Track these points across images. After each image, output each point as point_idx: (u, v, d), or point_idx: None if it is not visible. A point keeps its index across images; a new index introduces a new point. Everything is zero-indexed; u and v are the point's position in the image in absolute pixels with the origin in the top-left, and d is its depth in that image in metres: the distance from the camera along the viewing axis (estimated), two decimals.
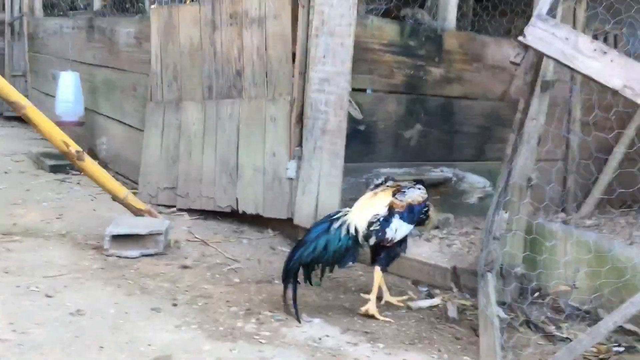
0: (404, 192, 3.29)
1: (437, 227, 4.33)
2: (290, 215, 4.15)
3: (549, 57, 2.74)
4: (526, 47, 2.75)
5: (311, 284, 3.17)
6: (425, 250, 3.74)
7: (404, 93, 4.43)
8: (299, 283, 3.08)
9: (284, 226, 4.25)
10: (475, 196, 5.02)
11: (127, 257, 3.64)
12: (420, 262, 3.61)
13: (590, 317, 3.11)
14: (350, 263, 3.23)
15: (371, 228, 3.13)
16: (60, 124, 6.62)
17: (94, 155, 6.49)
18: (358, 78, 4.12)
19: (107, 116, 6.27)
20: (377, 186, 3.41)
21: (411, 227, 3.24)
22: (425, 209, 3.29)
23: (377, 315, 3.10)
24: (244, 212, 4.41)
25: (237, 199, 4.44)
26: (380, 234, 3.13)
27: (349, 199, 4.12)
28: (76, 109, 6.53)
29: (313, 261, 3.08)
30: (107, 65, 6.27)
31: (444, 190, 4.73)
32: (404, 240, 3.24)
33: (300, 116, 4.07)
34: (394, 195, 3.24)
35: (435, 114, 4.62)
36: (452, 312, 3.15)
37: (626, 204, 5.89)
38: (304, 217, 4.06)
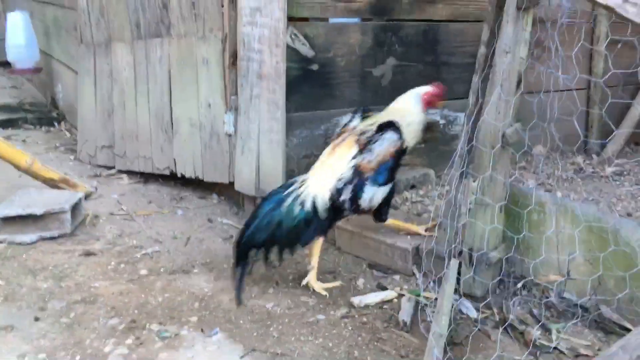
0: (371, 145, 2.62)
1: (412, 187, 3.53)
2: (232, 178, 3.41)
3: None
4: None
5: (271, 265, 2.64)
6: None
7: (369, 19, 3.53)
8: (249, 265, 2.56)
9: (230, 191, 3.51)
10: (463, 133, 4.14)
11: (21, 244, 2.99)
12: (375, 239, 2.83)
13: (590, 316, 2.33)
14: (320, 238, 2.65)
15: (341, 198, 2.58)
16: (15, 72, 5.99)
17: (55, 105, 5.85)
18: (304, 4, 3.24)
19: (59, 61, 5.54)
20: (344, 125, 2.83)
21: (390, 186, 2.68)
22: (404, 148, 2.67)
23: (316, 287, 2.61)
24: (182, 175, 3.69)
25: (174, 160, 3.71)
26: (351, 205, 2.60)
27: (302, 157, 3.36)
28: (30, 53, 5.84)
29: (267, 242, 2.55)
30: (52, 2, 5.48)
31: (430, 137, 3.88)
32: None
33: (234, 57, 3.25)
34: (361, 148, 2.62)
35: (415, 44, 3.72)
36: (405, 315, 2.40)
37: None
38: (245, 182, 3.32)
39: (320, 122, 3.45)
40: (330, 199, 2.58)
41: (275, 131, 3.15)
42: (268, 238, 2.54)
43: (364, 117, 2.83)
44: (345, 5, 3.40)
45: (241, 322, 2.38)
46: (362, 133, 2.68)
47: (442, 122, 3.95)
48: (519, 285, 2.47)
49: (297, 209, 2.55)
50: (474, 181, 2.32)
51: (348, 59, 3.48)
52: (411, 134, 2.70)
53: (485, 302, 2.42)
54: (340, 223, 2.97)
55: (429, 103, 2.78)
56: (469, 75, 3.95)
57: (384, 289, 2.64)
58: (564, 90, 4.49)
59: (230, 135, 3.36)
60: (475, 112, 2.24)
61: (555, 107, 4.25)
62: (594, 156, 4.50)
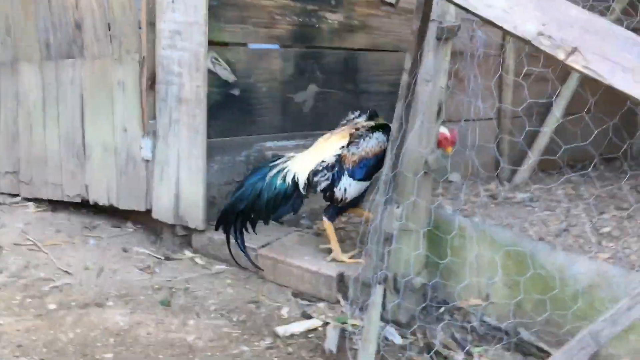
0: (358, 141, 2.76)
1: None
2: (149, 206, 3.28)
3: None
4: None
5: (247, 231, 2.82)
6: (308, 250, 2.93)
7: (291, 46, 3.53)
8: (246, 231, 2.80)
9: (147, 219, 3.37)
10: None
11: None
12: (299, 267, 2.79)
13: (510, 339, 2.38)
14: (290, 214, 2.90)
15: (315, 179, 2.75)
16: None
17: None
18: (226, 28, 3.20)
19: None
20: (349, 121, 2.96)
21: (365, 184, 2.79)
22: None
23: (345, 259, 2.79)
24: (95, 203, 3.51)
25: (86, 186, 3.52)
26: (327, 192, 2.77)
27: (223, 183, 3.28)
28: None
29: (247, 211, 2.77)
30: None
31: None
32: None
33: (152, 80, 3.15)
34: (350, 140, 2.77)
35: (336, 72, 3.75)
36: (331, 343, 2.37)
37: (567, 166, 5.23)
38: (163, 209, 3.20)
39: (242, 148, 3.40)
40: (307, 178, 2.74)
41: (196, 157, 3.07)
42: (248, 206, 2.74)
43: (370, 118, 2.92)
44: (266, 32, 3.39)
45: (161, 357, 2.26)
46: (359, 128, 2.80)
47: None
48: (442, 310, 2.49)
49: (278, 182, 2.75)
50: (397, 207, 2.33)
51: (270, 85, 3.46)
52: None
53: (411, 328, 2.43)
54: (263, 251, 2.92)
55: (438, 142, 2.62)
56: (387, 103, 4.05)
57: (309, 317, 2.60)
58: (477, 120, 4.69)
59: (147, 161, 3.24)
60: (399, 139, 2.26)
61: (471, 135, 4.40)
62: (506, 183, 4.69)
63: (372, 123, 2.85)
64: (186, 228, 3.19)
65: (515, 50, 4.71)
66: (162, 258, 3.13)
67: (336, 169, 2.74)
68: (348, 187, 2.74)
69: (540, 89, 4.78)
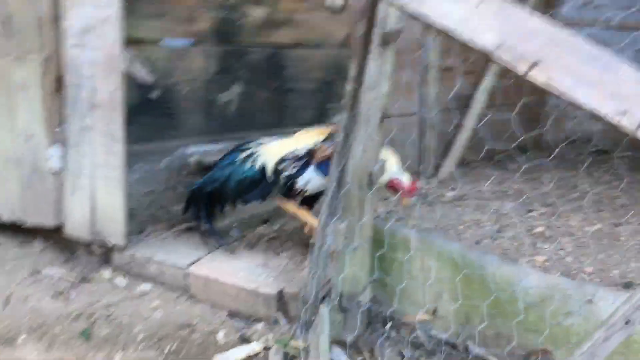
0: (334, 139, 2.59)
1: (266, 221, 3.35)
2: (61, 221, 2.96)
3: None
4: None
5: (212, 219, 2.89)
6: (242, 265, 2.74)
7: (213, 44, 3.30)
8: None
9: (59, 236, 3.04)
10: None
11: None
12: (234, 285, 2.60)
13: (459, 353, 2.31)
14: (258, 201, 2.86)
15: (281, 166, 2.74)
16: None
17: None
18: (143, 24, 2.93)
19: None
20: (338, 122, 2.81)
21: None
22: None
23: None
24: None
25: None
26: (289, 180, 2.73)
27: (143, 193, 3.02)
28: None
29: (215, 193, 2.82)
30: None
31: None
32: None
33: (59, 83, 2.83)
34: (326, 137, 2.73)
35: (261, 70, 3.55)
36: None
37: (491, 156, 5.30)
38: (77, 225, 2.90)
39: (163, 155, 3.14)
40: (275, 165, 2.73)
41: (113, 167, 2.79)
42: (217, 188, 2.79)
43: None
44: (187, 28, 3.14)
45: None
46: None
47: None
48: (389, 326, 2.39)
49: (247, 166, 2.76)
50: (342, 223, 2.19)
51: (192, 85, 3.21)
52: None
53: (357, 348, 2.31)
54: (193, 268, 2.70)
55: (393, 187, 2.62)
56: (314, 101, 3.92)
57: (248, 341, 2.42)
58: (400, 116, 4.64)
59: (57, 172, 2.92)
60: (343, 151, 2.11)
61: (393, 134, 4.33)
62: (430, 181, 4.68)
63: None
64: (104, 245, 2.91)
65: (437, 45, 4.69)
66: (78, 280, 2.83)
67: (304, 160, 2.71)
68: (310, 180, 2.70)
69: (462, 83, 4.80)
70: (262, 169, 2.76)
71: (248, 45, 3.45)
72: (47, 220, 2.99)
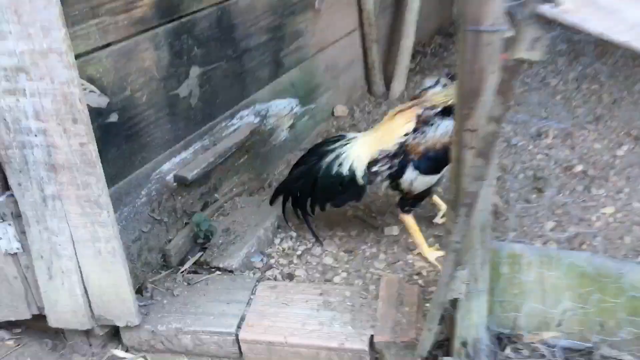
0: (426, 127, 2.36)
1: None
2: (38, 310, 2.26)
3: None
4: None
5: (306, 215, 2.61)
6: (300, 312, 2.25)
7: (161, 25, 2.50)
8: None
9: (38, 324, 2.34)
10: (285, 127, 3.53)
11: None
12: (310, 346, 2.13)
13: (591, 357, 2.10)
14: (353, 202, 2.60)
15: (373, 169, 2.44)
16: None
17: None
18: (77, 32, 2.10)
19: None
20: (422, 92, 2.55)
21: (434, 177, 2.43)
22: None
23: (432, 259, 2.48)
24: None
25: None
26: (392, 181, 2.45)
27: (132, 241, 2.39)
28: None
29: (303, 193, 2.57)
30: None
31: (250, 144, 3.15)
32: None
33: None
34: (416, 127, 2.38)
35: (213, 39, 2.82)
36: None
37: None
38: (66, 314, 2.23)
39: (139, 187, 2.46)
40: (367, 167, 2.45)
41: (105, 238, 2.09)
42: (304, 189, 2.55)
43: (447, 84, 2.50)
44: (127, 17, 2.31)
45: None
46: (429, 108, 2.39)
47: (256, 120, 3.21)
48: (509, 351, 2.10)
49: (335, 168, 2.49)
50: (463, 269, 1.78)
51: (149, 88, 2.46)
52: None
53: None
54: (244, 333, 2.19)
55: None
56: (270, 54, 3.26)
57: None
58: (341, 38, 4.07)
59: (15, 254, 2.17)
60: (471, 202, 1.64)
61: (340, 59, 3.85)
62: (382, 102, 4.28)
63: (448, 94, 2.38)
64: (109, 326, 2.29)
65: None
66: None
67: (400, 157, 2.41)
68: (414, 179, 2.42)
69: None
70: (351, 172, 2.46)
71: (195, 11, 2.67)
72: (17, 312, 2.28)
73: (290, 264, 2.52)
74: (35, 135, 1.95)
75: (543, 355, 2.09)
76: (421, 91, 2.58)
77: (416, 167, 2.38)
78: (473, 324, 1.91)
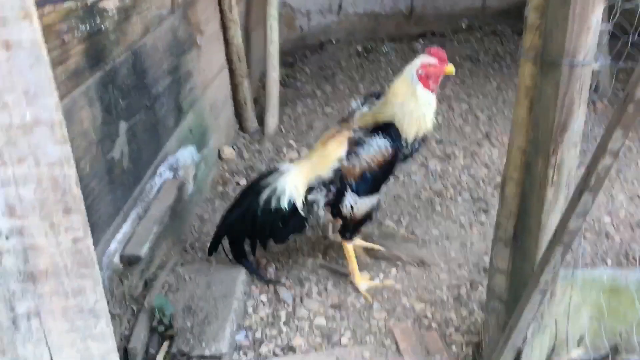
0: (358, 149, 2.32)
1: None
2: None
3: None
4: None
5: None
6: None
7: (90, 76, 2.04)
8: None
9: None
10: (191, 179, 3.17)
11: None
12: None
13: None
14: (294, 235, 2.52)
15: (310, 197, 2.37)
16: None
17: None
18: None
19: None
20: (350, 114, 2.50)
21: (375, 197, 2.40)
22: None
23: (362, 289, 2.46)
24: None
25: None
26: (333, 209, 2.39)
27: None
28: None
29: (243, 234, 2.47)
30: None
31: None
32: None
33: None
34: (348, 149, 2.33)
35: (133, 87, 2.42)
36: None
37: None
38: None
39: None
40: (304, 196, 2.37)
41: (100, 356, 1.61)
42: (244, 232, 2.45)
43: (373, 103, 2.45)
44: (64, 71, 1.84)
45: None
46: (359, 130, 2.36)
47: (171, 175, 2.81)
48: None
49: (273, 204, 2.37)
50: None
51: (90, 155, 2.00)
52: (413, 125, 2.27)
53: None
54: None
55: (429, 77, 2.25)
56: (173, 99, 2.93)
57: None
58: (214, 78, 3.80)
59: None
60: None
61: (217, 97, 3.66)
62: (258, 139, 4.09)
63: (375, 112, 2.37)
64: None
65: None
66: None
67: (337, 184, 2.34)
68: (354, 204, 2.36)
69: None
70: (290, 205, 2.36)
71: (114, 57, 2.24)
72: None
73: (281, 334, 2.22)
74: (7, 238, 1.44)
75: None
76: (349, 114, 2.55)
77: (355, 191, 2.34)
78: (535, 358, 1.86)
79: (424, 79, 2.25)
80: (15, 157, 1.37)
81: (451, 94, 4.23)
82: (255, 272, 2.53)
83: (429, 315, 2.26)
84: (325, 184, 2.34)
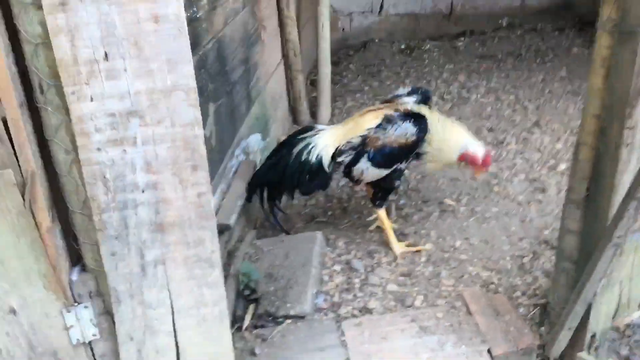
0: (388, 125, 2.55)
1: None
2: None
3: None
4: None
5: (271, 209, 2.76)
6: (403, 344, 2.15)
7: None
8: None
9: None
10: (259, 164, 3.35)
11: None
12: None
13: None
14: (318, 190, 2.81)
15: (339, 159, 2.62)
16: None
17: None
18: None
19: None
20: (395, 98, 2.78)
21: (384, 171, 2.60)
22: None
23: (397, 251, 2.66)
24: None
25: None
26: (346, 169, 2.64)
27: None
28: None
29: (273, 182, 2.69)
30: None
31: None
32: (395, 172, 2.61)
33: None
34: (380, 123, 2.57)
35: (217, 72, 2.63)
36: None
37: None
38: None
39: None
40: (332, 156, 2.61)
41: (213, 302, 1.81)
42: (275, 178, 2.65)
43: (423, 101, 2.70)
44: None
45: None
46: (396, 111, 2.60)
47: (244, 158, 3.01)
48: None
49: (304, 157, 2.61)
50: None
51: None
52: (435, 153, 2.57)
53: None
54: None
55: (466, 161, 2.55)
56: (245, 88, 3.11)
57: None
58: (275, 71, 4.01)
59: (88, 343, 1.78)
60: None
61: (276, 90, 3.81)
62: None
63: (415, 107, 2.62)
64: None
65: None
66: None
67: (359, 149, 2.57)
68: (365, 170, 2.58)
69: None
70: (318, 160, 2.60)
71: (205, 44, 2.46)
72: None
73: (357, 299, 2.39)
74: (142, 192, 1.64)
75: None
76: (393, 97, 2.79)
77: (370, 159, 2.54)
78: (603, 316, 2.00)
79: (463, 158, 2.52)
80: (155, 119, 1.57)
81: (498, 86, 4.37)
82: (276, 220, 2.77)
83: (495, 281, 2.42)
84: (354, 147, 2.57)
